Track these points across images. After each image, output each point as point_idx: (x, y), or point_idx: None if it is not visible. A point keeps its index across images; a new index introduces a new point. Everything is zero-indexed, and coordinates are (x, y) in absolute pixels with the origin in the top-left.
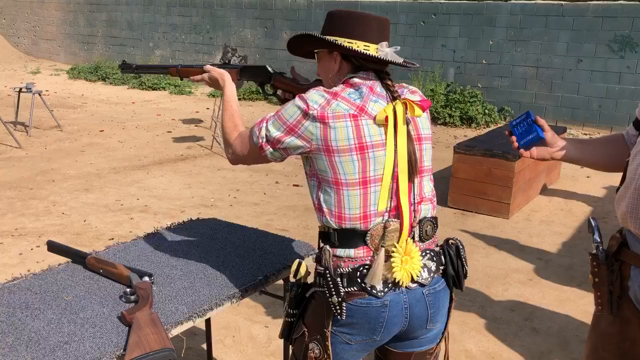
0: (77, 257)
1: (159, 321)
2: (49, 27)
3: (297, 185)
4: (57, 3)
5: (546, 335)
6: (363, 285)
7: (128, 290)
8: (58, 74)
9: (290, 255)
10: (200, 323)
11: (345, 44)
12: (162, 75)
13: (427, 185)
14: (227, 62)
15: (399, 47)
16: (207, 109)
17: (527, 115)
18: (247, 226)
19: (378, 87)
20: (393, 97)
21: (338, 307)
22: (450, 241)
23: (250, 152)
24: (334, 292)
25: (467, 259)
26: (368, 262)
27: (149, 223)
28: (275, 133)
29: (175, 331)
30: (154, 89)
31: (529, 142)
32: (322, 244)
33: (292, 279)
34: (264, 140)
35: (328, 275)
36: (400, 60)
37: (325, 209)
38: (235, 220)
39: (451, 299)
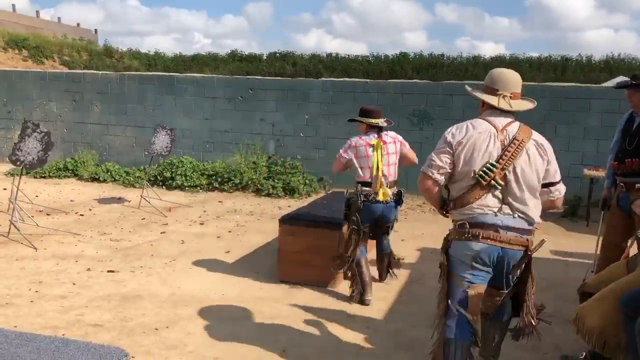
0: None
1: None
2: None
3: (112, 271)
4: None
5: None
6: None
7: None
8: None
9: None
10: None
11: (364, 120)
12: None
13: (393, 170)
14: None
15: (382, 120)
16: (5, 189)
17: None
18: (42, 335)
19: (375, 134)
20: (377, 137)
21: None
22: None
23: (337, 161)
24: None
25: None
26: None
27: None
28: (341, 152)
29: None
30: None
31: None
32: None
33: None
34: (340, 155)
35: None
36: (384, 125)
37: (356, 173)
38: (37, 319)
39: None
